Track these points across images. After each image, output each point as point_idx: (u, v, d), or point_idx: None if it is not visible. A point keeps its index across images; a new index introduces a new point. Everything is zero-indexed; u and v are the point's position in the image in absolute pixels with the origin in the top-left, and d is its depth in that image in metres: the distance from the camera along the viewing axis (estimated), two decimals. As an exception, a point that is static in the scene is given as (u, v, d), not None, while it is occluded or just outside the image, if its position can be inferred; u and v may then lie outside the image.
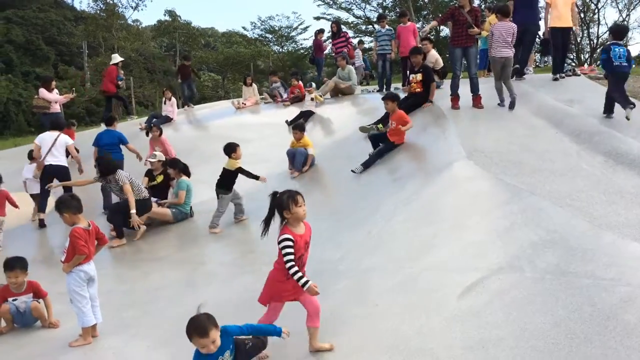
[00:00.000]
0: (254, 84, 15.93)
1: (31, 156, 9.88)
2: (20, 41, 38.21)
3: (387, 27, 13.30)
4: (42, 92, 12.22)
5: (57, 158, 9.03)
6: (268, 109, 14.20)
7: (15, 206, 8.67)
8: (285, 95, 14.70)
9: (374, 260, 5.18)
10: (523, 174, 6.26)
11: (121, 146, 9.87)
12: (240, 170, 7.84)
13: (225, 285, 5.74)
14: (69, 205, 4.56)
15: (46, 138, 9.11)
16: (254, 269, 6.04)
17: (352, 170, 8.19)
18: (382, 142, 8.56)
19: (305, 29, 42.17)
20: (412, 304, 4.24)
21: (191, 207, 8.61)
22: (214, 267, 6.43)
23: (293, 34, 43.02)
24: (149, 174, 9.32)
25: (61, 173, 9.00)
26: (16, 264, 4.83)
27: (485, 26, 10.65)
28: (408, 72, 10.57)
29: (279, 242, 3.80)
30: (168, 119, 14.19)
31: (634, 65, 8.82)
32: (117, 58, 15.26)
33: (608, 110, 8.07)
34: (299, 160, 9.23)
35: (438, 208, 5.70)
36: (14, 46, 37.80)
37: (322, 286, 4.98)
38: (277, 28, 42.83)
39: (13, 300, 4.78)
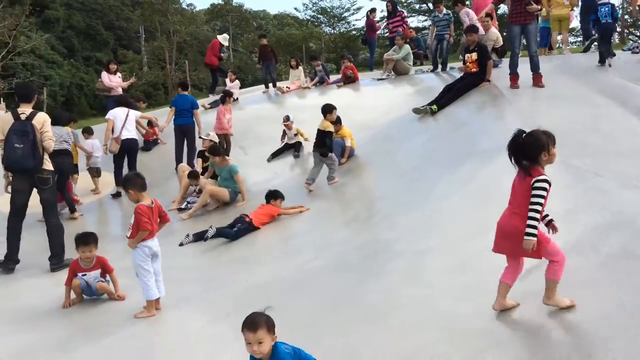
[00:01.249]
0: (300, 67, 15.74)
1: (87, 132, 10.53)
2: (80, 27, 39.52)
3: (444, 11, 12.97)
4: (103, 76, 12.61)
5: (131, 132, 9.65)
6: (321, 90, 14.17)
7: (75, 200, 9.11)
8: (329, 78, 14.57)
9: (430, 241, 5.15)
10: (587, 154, 6.04)
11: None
12: (329, 134, 8.24)
13: (279, 264, 5.83)
14: (135, 182, 4.73)
15: (119, 114, 9.55)
16: (307, 249, 6.11)
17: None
18: (238, 223, 7.15)
19: (357, 10, 41.76)
20: (470, 286, 4.20)
21: None
22: (269, 245, 6.54)
23: (345, 14, 42.70)
24: (202, 155, 9.52)
25: (135, 146, 9.73)
26: (91, 239, 5.07)
27: (543, 1, 10.27)
28: (464, 51, 10.34)
29: (537, 182, 3.43)
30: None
31: (619, 21, 10.26)
32: (225, 40, 15.55)
33: (602, 61, 9.75)
34: (336, 151, 8.86)
35: (497, 189, 5.55)
36: (75, 32, 39.16)
37: (377, 266, 5.04)
38: (329, 9, 42.58)
39: (82, 275, 5.02)
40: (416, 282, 4.47)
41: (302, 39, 38.92)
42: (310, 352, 3.47)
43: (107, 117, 9.68)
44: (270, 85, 15.18)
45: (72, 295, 5.05)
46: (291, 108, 12.81)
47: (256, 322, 2.84)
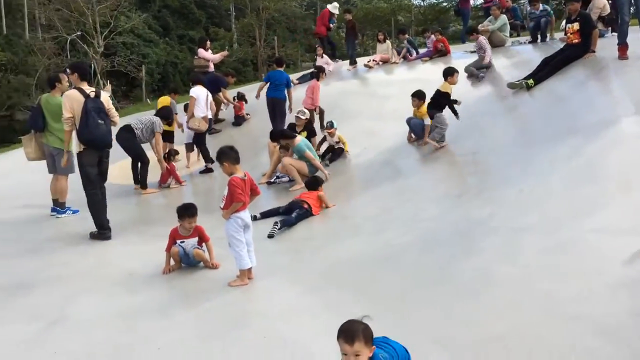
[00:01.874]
0: (387, 41, 15.33)
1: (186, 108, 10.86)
2: (175, 6, 41.03)
3: (541, 7, 12.21)
4: (201, 52, 12.97)
5: (209, 112, 10.15)
6: (408, 65, 13.84)
7: (179, 181, 9.52)
8: (414, 54, 14.16)
9: (527, 219, 4.92)
10: None
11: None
12: (448, 96, 8.36)
13: (367, 239, 5.81)
14: (229, 155, 4.86)
15: (201, 93, 9.95)
16: (396, 224, 6.04)
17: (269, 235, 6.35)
18: (296, 208, 6.89)
19: (449, -21, 40.24)
20: (570, 267, 3.98)
21: None
22: (358, 220, 6.53)
23: (436, -17, 41.32)
24: (292, 129, 9.60)
25: (210, 125, 10.37)
26: (195, 211, 5.30)
27: None
28: (564, 21, 9.69)
29: None
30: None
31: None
32: (335, 9, 15.52)
33: None
34: (417, 132, 8.89)
35: (602, 166, 5.23)
36: (169, 11, 40.73)
37: (470, 243, 4.90)
38: (419, -21, 41.39)
39: (181, 242, 5.26)
40: (512, 261, 4.31)
41: (391, 12, 38.11)
42: (399, 328, 3.47)
43: (191, 94, 10.05)
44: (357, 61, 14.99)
45: (172, 262, 5.31)
46: (376, 83, 12.67)
47: (354, 334, 2.59)
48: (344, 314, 3.94)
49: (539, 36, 12.30)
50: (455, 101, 8.56)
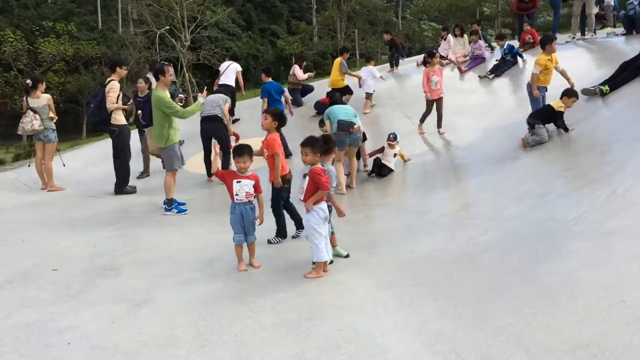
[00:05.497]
0: (465, 35, 14.70)
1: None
2: (258, 0, 41.90)
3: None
4: (296, 69, 13.36)
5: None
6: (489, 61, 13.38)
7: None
8: (487, 53, 13.62)
9: (620, 223, 4.63)
10: None
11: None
12: (560, 115, 7.70)
13: (447, 236, 5.70)
14: (321, 147, 4.96)
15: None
16: (476, 222, 5.89)
17: None
18: None
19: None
20: (666, 275, 3.71)
21: None
22: (436, 217, 6.41)
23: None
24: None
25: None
26: (245, 151, 5.19)
27: None
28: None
29: None
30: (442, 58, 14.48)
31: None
32: None
33: None
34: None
35: None
36: (253, 5, 41.66)
37: (555, 246, 4.69)
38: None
39: (238, 181, 5.17)
40: (600, 267, 4.07)
41: (475, 3, 36.95)
42: (479, 329, 3.38)
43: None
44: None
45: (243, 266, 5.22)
46: (458, 77, 12.35)
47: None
48: (419, 311, 3.91)
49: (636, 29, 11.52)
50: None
